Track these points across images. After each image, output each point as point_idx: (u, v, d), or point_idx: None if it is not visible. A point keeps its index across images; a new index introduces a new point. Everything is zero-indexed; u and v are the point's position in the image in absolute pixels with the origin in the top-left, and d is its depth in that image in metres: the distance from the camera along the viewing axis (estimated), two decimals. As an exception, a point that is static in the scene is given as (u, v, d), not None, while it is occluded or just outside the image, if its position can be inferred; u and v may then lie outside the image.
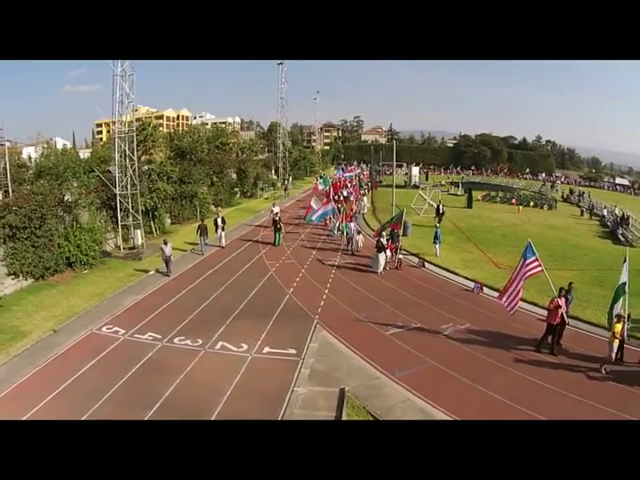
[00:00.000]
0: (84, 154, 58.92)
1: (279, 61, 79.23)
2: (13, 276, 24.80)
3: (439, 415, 13.00)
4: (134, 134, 34.06)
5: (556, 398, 14.07)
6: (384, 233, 28.12)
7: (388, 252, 27.74)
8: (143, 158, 33.45)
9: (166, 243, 26.84)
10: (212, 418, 13.25)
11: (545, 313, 18.56)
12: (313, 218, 37.64)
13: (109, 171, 34.86)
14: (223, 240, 34.03)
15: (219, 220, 34.10)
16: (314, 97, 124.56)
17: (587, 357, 16.75)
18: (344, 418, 12.48)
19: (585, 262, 31.10)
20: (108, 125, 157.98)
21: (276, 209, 40.07)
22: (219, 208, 36.43)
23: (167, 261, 26.84)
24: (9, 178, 34.73)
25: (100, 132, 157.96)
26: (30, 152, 48.93)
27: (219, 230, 33.90)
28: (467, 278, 25.53)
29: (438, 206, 40.50)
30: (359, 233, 33.07)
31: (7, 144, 39.30)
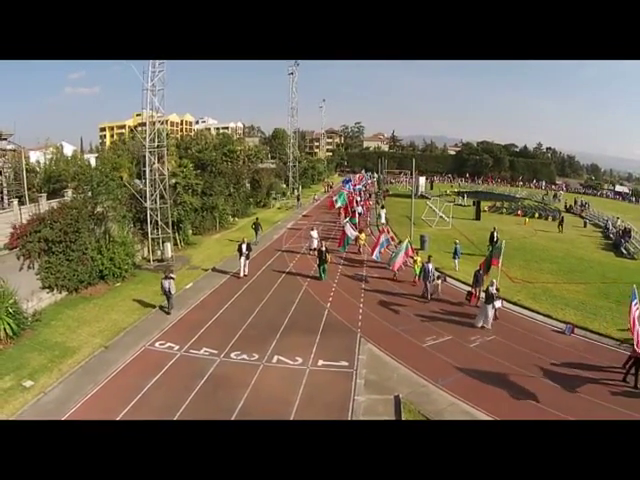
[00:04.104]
0: (88, 158, 58.47)
1: (290, 71, 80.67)
2: (48, 289, 25.28)
3: (482, 416, 14.89)
4: (165, 149, 35.16)
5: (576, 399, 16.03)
6: (493, 280, 22.96)
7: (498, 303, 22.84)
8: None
9: (166, 277, 24.24)
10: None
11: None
12: (374, 257, 32.67)
13: (136, 183, 36.22)
14: (246, 269, 31.14)
15: (244, 247, 31.06)
16: (320, 105, 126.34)
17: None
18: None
19: (591, 275, 32.94)
20: (112, 129, 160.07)
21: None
22: (245, 239, 32.71)
23: (168, 296, 24.31)
24: (25, 185, 34.72)
25: (104, 136, 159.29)
26: (38, 156, 48.59)
27: (242, 258, 30.88)
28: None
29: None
30: (439, 278, 27.52)
31: (21, 150, 39.32)
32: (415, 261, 29.17)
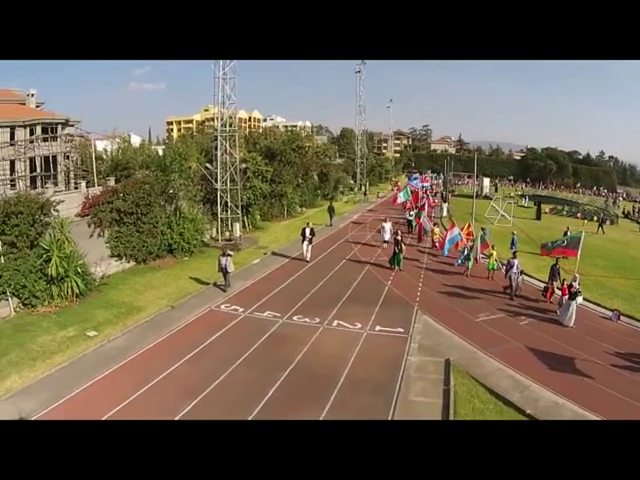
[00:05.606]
0: (156, 149, 60.84)
1: (357, 69, 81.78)
2: (117, 258, 27.17)
3: (525, 381, 15.91)
4: (236, 133, 37.22)
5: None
6: (577, 275, 22.13)
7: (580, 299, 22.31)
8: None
9: (224, 254, 24.71)
10: (341, 379, 15.55)
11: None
12: (443, 253, 33.31)
13: (207, 167, 38.06)
14: (309, 254, 31.28)
15: (307, 231, 31.25)
16: (387, 105, 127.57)
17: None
18: (452, 381, 15.57)
19: (643, 272, 32.94)
20: (179, 123, 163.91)
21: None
22: (309, 223, 33.07)
23: (225, 273, 24.59)
24: (94, 171, 37.41)
25: (171, 130, 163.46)
26: (105, 145, 51.05)
27: (305, 242, 31.11)
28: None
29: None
30: (522, 273, 26.15)
31: (89, 136, 42.56)
32: (491, 255, 28.90)
